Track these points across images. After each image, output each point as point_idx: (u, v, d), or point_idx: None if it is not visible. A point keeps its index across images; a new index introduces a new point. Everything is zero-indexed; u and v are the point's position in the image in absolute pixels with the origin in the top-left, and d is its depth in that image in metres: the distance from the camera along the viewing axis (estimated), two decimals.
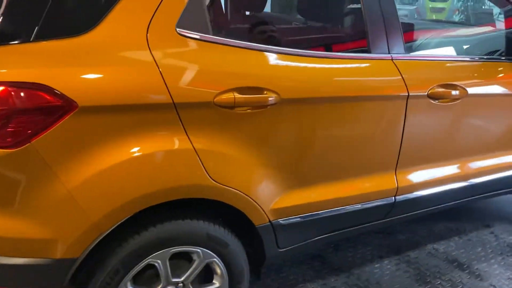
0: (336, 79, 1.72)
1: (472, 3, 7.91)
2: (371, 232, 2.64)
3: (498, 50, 2.36)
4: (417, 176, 2.06)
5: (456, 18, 7.82)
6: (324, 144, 1.76)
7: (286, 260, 2.32)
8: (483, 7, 7.56)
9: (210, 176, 1.50)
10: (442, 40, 2.59)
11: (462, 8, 7.76)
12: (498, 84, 2.20)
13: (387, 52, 1.84)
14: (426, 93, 1.90)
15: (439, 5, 8.09)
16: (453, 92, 1.98)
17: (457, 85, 1.99)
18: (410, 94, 1.85)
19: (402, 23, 1.92)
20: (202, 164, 1.48)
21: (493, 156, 2.29)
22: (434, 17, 7.73)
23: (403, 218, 2.19)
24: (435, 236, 2.67)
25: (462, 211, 2.92)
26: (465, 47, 2.51)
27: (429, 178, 2.09)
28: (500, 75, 2.23)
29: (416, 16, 7.40)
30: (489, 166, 2.28)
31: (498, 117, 2.25)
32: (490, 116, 2.22)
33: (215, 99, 1.45)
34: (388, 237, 2.63)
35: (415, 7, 8.17)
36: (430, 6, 8.09)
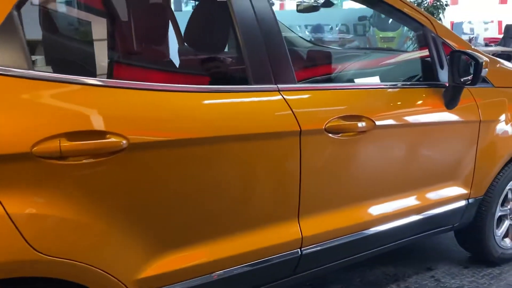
0: (204, 117, 1.44)
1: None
2: (300, 284, 2.33)
3: (417, 75, 2.15)
4: (329, 222, 1.77)
5: (407, 46, 7.84)
6: (196, 195, 1.46)
7: None
8: None
9: (34, 248, 1.18)
10: (356, 68, 2.37)
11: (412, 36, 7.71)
12: (415, 113, 1.96)
13: (273, 82, 1.59)
14: (323, 127, 1.65)
15: (389, 34, 8.10)
16: (359, 124, 1.73)
17: (362, 116, 1.75)
18: (302, 129, 1.59)
19: (310, 50, 1.70)
20: (21, 233, 1.16)
21: (415, 194, 2.04)
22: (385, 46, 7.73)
23: (323, 270, 1.89)
24: (371, 284, 2.37)
25: (402, 250, 2.64)
26: (382, 74, 2.29)
27: (345, 223, 1.81)
28: (419, 102, 2.00)
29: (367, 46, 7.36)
30: (412, 205, 2.02)
31: (418, 149, 2.01)
32: (408, 149, 1.97)
33: (33, 149, 1.15)
34: None
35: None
36: (380, 35, 8.09)
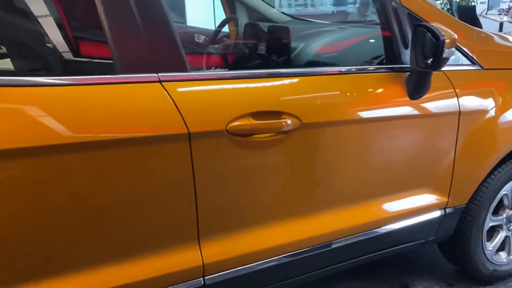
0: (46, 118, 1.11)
1: None
2: None
3: (379, 57, 1.72)
4: (240, 243, 1.42)
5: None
6: (51, 220, 1.14)
7: None
8: None
9: None
10: (301, 50, 1.94)
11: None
12: (364, 105, 1.52)
13: (152, 70, 1.23)
14: (224, 128, 1.28)
15: None
16: (279, 123, 1.35)
17: (283, 112, 1.36)
18: (191, 132, 1.23)
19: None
20: None
21: (365, 207, 1.64)
22: None
23: None
24: None
25: (373, 263, 2.26)
26: (334, 57, 1.87)
27: (261, 245, 1.45)
28: (369, 91, 1.55)
29: None
30: (360, 221, 1.63)
31: (368, 152, 1.59)
32: (352, 152, 1.55)
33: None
34: None
35: None
36: None
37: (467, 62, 1.78)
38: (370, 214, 1.64)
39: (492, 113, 1.78)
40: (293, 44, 1.91)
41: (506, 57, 1.90)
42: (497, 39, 2.05)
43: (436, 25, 1.45)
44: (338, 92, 1.48)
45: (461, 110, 1.70)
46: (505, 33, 6.56)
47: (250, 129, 1.31)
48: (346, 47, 2.00)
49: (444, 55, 1.40)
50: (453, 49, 1.44)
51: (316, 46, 2.00)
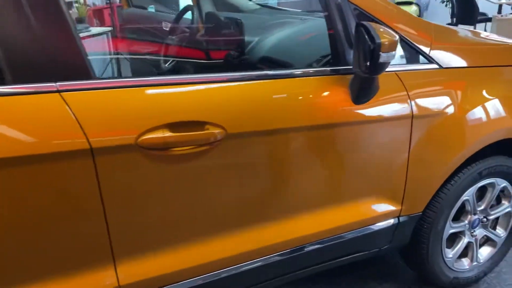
0: None
1: None
2: None
3: (326, 56, 1.59)
4: (161, 262, 1.32)
5: None
6: None
7: None
8: None
9: None
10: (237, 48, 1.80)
11: None
12: (300, 112, 1.39)
13: (50, 79, 1.11)
14: (134, 142, 1.17)
15: None
16: (202, 134, 1.24)
17: (206, 122, 1.25)
18: (94, 147, 1.12)
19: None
20: None
21: (306, 218, 1.53)
22: None
23: None
24: None
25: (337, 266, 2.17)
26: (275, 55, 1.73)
27: (186, 263, 1.36)
28: (309, 95, 1.41)
29: None
30: (298, 234, 1.53)
31: (308, 161, 1.47)
32: (290, 161, 1.44)
33: None
34: None
35: None
36: None
37: (424, 61, 1.65)
38: (312, 226, 1.54)
39: (449, 116, 1.65)
40: (235, 42, 1.78)
41: (467, 54, 1.76)
42: (460, 35, 1.92)
43: (375, 24, 1.31)
44: (272, 98, 1.36)
45: (414, 113, 1.58)
46: (502, 15, 6.34)
47: (164, 142, 1.19)
48: (297, 44, 1.86)
49: (381, 60, 1.27)
50: (394, 52, 1.30)
51: (265, 43, 1.86)
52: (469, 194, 1.85)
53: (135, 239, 1.27)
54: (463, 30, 2.01)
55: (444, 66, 1.67)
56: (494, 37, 2.13)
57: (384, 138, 1.58)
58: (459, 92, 1.68)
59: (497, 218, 2.07)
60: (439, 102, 1.63)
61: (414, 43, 1.61)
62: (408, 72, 1.59)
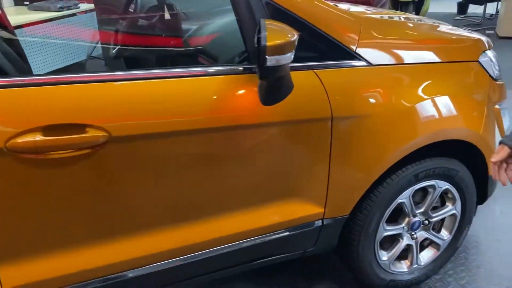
0: None
1: None
2: None
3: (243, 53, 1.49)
4: (47, 268, 1.30)
5: None
6: None
7: None
8: None
9: None
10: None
11: None
12: (198, 112, 1.32)
13: None
14: (3, 146, 1.13)
15: None
16: (80, 137, 1.19)
17: (86, 125, 1.20)
18: None
19: None
20: None
21: (218, 220, 1.49)
22: None
23: None
24: None
25: (270, 267, 2.12)
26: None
27: (73, 269, 1.33)
28: (212, 95, 1.33)
29: None
30: (212, 236, 1.49)
31: (213, 165, 1.41)
32: (186, 166, 1.38)
33: None
34: None
35: None
36: None
37: (350, 58, 1.54)
38: (231, 227, 1.49)
39: (375, 116, 1.56)
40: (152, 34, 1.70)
41: (402, 51, 1.65)
42: (400, 30, 1.80)
43: (271, 22, 1.21)
44: (168, 99, 1.29)
45: (334, 114, 1.49)
46: None
47: (34, 146, 1.15)
48: (212, 40, 1.78)
49: (269, 63, 1.17)
50: (288, 54, 1.20)
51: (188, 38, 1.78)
52: (404, 197, 1.77)
53: (17, 244, 1.25)
54: (412, 23, 1.87)
55: (374, 64, 1.57)
56: (446, 30, 2.00)
57: (301, 140, 1.51)
58: (388, 91, 1.58)
59: (442, 220, 1.98)
60: (364, 102, 1.54)
61: (337, 39, 1.51)
62: (328, 71, 1.49)
